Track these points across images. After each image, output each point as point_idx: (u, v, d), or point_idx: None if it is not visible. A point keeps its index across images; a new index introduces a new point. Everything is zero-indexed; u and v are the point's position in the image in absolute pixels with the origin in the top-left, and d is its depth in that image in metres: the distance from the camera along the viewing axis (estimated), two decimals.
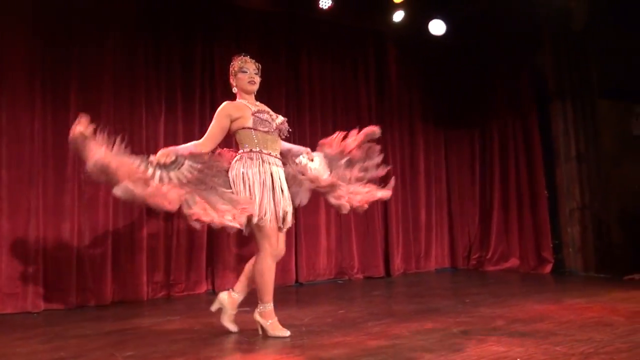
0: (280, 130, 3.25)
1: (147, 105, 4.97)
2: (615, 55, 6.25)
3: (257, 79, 3.30)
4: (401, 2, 5.72)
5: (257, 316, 3.20)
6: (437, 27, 6.10)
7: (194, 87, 5.22)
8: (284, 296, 4.58)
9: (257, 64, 3.33)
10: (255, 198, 3.03)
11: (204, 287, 5.08)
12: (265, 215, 3.04)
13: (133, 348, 2.97)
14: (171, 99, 5.09)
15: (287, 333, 3.14)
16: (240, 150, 3.19)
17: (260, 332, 3.19)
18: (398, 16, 5.92)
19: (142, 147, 4.89)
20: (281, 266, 5.25)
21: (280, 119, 3.28)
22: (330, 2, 5.53)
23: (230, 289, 3.37)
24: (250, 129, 3.15)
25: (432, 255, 6.58)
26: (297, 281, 5.57)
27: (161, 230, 4.94)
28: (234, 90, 3.34)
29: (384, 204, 6.22)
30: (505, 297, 4.32)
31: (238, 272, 5.20)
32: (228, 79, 5.29)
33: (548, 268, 5.90)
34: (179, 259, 4.98)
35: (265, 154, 3.15)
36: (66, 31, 4.64)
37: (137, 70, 4.93)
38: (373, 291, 5.08)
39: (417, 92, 6.68)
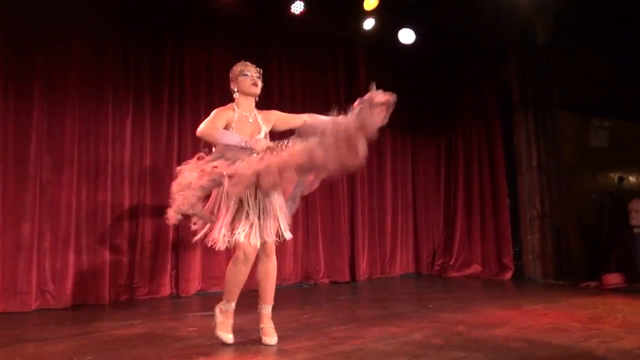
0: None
1: (114, 105, 4.89)
2: (575, 69, 6.47)
3: (259, 82, 3.24)
4: (372, 10, 5.77)
5: (216, 309, 3.17)
6: (406, 36, 6.19)
7: (163, 89, 5.16)
8: (249, 300, 4.52)
9: (258, 68, 3.28)
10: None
11: (167, 291, 5.01)
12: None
13: (93, 353, 2.92)
14: (139, 99, 5.02)
15: (230, 340, 3.08)
16: None
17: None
18: (369, 24, 5.98)
19: (107, 147, 4.83)
20: None
21: (259, 137, 3.12)
22: (302, 8, 5.54)
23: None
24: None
25: (397, 260, 6.66)
26: None
27: (125, 232, 4.86)
28: (235, 95, 3.24)
29: (351, 208, 6.27)
30: (467, 303, 4.41)
31: (203, 276, 5.21)
32: (198, 82, 5.33)
33: (509, 274, 6.05)
34: (143, 261, 4.90)
35: None
36: (33, 27, 4.52)
37: (105, 70, 4.84)
38: (338, 296, 5.12)
39: None
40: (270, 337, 3.08)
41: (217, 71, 5.28)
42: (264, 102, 5.64)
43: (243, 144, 3.02)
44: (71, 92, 4.66)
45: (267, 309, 3.17)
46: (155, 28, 5.16)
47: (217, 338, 3.10)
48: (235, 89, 3.23)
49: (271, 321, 3.16)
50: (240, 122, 3.15)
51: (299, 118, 3.32)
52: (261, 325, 3.15)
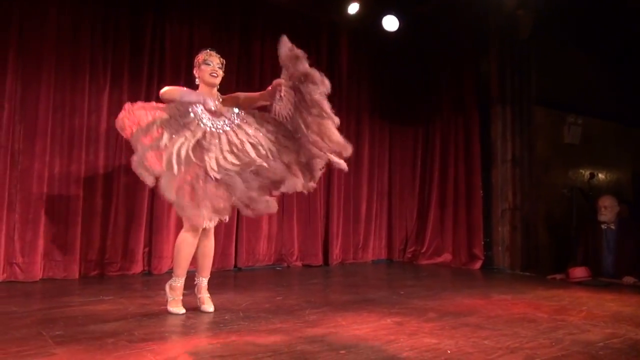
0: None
1: (92, 77, 4.78)
2: (553, 66, 6.57)
3: (220, 73, 3.40)
4: None
5: (166, 286, 3.36)
6: (390, 23, 6.18)
7: (142, 63, 5.06)
8: (222, 280, 4.56)
9: (221, 58, 3.42)
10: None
11: (139, 268, 4.95)
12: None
13: (62, 327, 2.87)
14: (117, 72, 4.91)
15: (182, 311, 3.28)
16: None
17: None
18: (353, 8, 5.95)
19: (83, 119, 4.73)
20: (220, 250, 5.21)
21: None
22: None
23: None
24: None
25: (369, 246, 6.71)
26: (235, 266, 5.55)
27: (98, 207, 4.78)
28: (197, 81, 3.42)
29: (327, 193, 6.28)
30: (437, 291, 4.47)
31: None
32: (179, 58, 5.24)
33: (478, 264, 6.16)
34: (115, 237, 4.84)
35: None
36: None
37: (83, 40, 4.72)
38: (311, 279, 5.14)
39: (366, 84, 6.75)
40: (209, 306, 3.38)
41: (199, 47, 5.12)
42: (246, 83, 5.65)
43: (202, 101, 3.21)
44: (47, 61, 4.54)
45: (204, 282, 3.46)
46: (136, 1, 5.03)
47: (188, 318, 3.19)
48: (197, 76, 3.41)
49: (207, 292, 3.45)
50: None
51: (258, 93, 3.48)
52: (199, 295, 3.43)
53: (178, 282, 3.33)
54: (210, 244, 3.45)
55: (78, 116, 4.69)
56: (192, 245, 3.29)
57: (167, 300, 3.34)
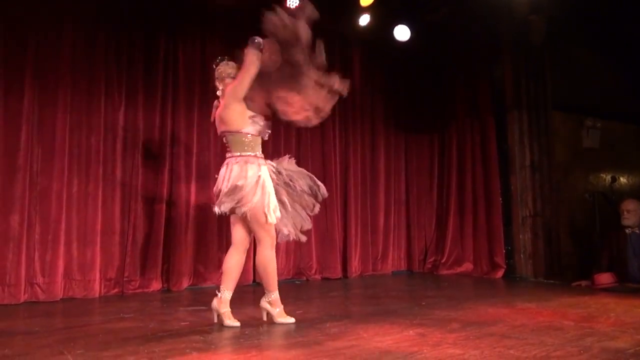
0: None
1: (107, 97, 4.84)
2: (569, 69, 6.49)
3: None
4: (368, 6, 5.74)
5: (265, 304, 3.48)
6: (401, 32, 6.17)
7: (156, 81, 5.11)
8: (241, 295, 4.51)
9: (218, 68, 3.56)
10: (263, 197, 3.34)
11: (158, 285, 4.96)
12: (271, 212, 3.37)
13: (83, 346, 2.87)
14: (132, 91, 4.97)
15: (292, 320, 3.42)
16: (247, 154, 3.40)
17: (265, 319, 3.47)
18: (364, 20, 5.96)
19: (99, 138, 4.77)
20: None
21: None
22: (298, 2, 5.50)
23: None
24: (248, 133, 3.40)
25: (389, 258, 6.64)
26: (254, 281, 5.51)
27: (116, 226, 4.81)
28: (219, 93, 3.50)
29: (344, 205, 6.24)
30: (459, 301, 4.40)
31: (194, 271, 5.17)
32: (192, 76, 5.28)
33: (500, 273, 6.06)
34: (133, 255, 4.85)
35: (259, 157, 3.45)
36: (23, 16, 4.46)
37: (97, 60, 4.79)
38: (331, 292, 5.09)
39: (380, 95, 6.74)
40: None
41: (211, 63, 5.21)
42: None
43: None
44: (62, 82, 4.60)
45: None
46: (148, 19, 5.11)
47: (209, 333, 3.19)
48: (220, 87, 3.49)
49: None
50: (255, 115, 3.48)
51: None
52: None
53: (275, 295, 3.47)
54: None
55: (95, 135, 4.74)
56: (275, 259, 3.48)
57: (266, 314, 3.48)
